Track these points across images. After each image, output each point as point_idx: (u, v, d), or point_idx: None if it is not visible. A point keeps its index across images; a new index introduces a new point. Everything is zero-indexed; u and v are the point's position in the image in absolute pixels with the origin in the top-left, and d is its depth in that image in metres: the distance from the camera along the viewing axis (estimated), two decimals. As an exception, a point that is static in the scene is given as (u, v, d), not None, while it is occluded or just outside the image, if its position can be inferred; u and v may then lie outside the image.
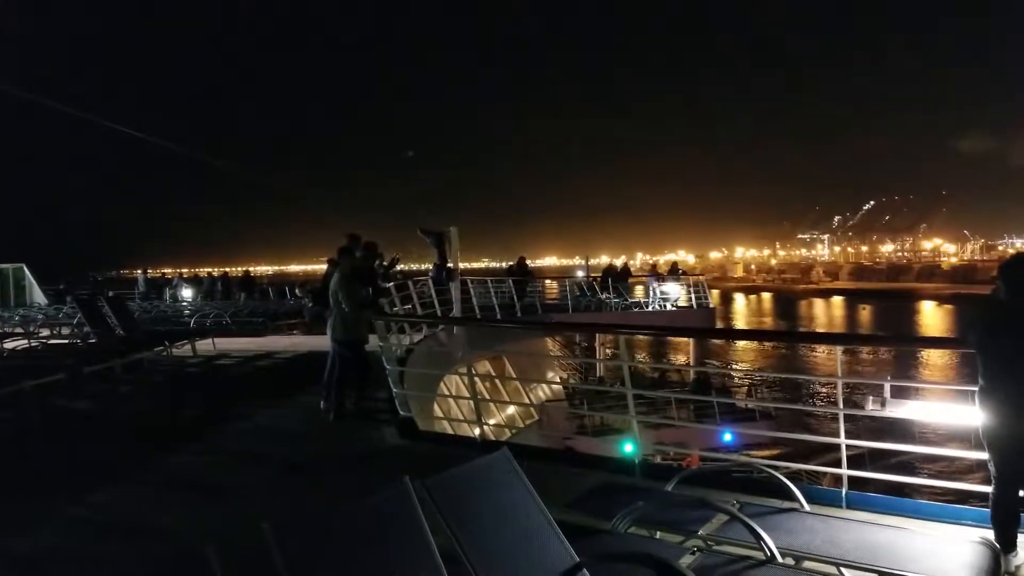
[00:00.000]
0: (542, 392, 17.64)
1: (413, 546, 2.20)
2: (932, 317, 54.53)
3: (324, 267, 9.15)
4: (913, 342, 11.89)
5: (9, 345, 11.06)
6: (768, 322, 58.37)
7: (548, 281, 22.12)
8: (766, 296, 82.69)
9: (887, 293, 70.22)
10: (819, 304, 71.23)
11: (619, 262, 25.15)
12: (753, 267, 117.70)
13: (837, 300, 73.06)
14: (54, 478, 5.32)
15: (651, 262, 37.18)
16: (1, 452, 6.22)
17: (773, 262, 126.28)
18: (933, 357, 32.93)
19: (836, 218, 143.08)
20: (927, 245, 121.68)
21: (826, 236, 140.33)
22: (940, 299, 62.83)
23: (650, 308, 19.06)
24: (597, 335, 19.33)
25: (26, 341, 11.67)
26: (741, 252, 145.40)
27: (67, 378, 8.39)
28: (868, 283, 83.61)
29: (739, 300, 79.53)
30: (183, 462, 5.73)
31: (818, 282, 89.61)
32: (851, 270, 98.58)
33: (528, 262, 21.17)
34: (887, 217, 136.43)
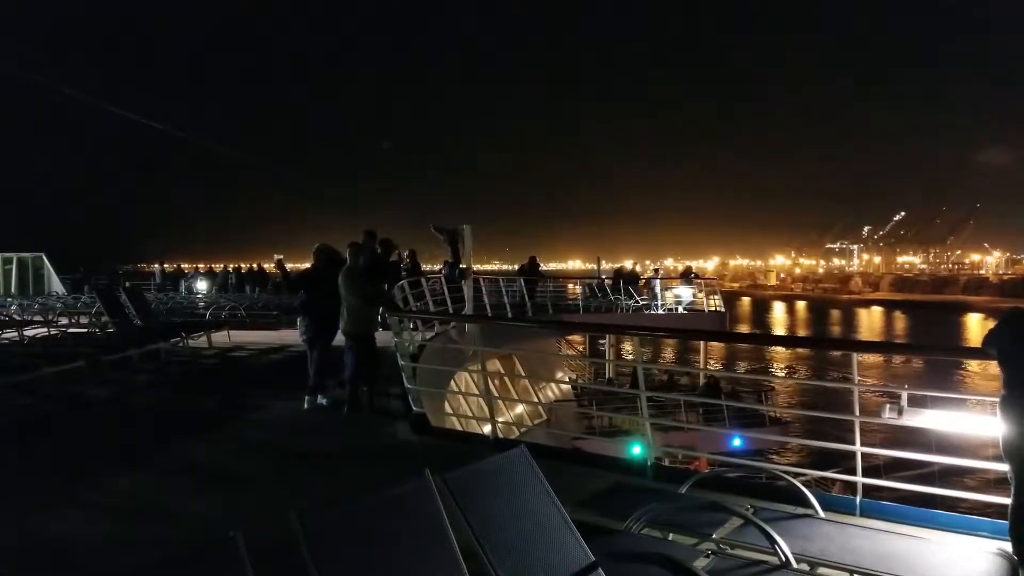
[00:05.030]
0: (551, 392, 17.64)
1: (433, 538, 2.23)
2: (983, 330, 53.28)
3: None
4: (935, 351, 11.66)
5: (29, 332, 11.24)
6: (818, 332, 57.74)
7: (570, 285, 22.23)
8: (804, 304, 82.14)
9: (935, 305, 69.63)
10: (863, 314, 70.95)
11: (629, 265, 25.21)
12: (783, 275, 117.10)
13: (877, 310, 72.58)
14: (75, 464, 5.41)
15: (654, 267, 37.12)
16: (22, 438, 6.35)
17: (797, 270, 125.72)
18: (978, 369, 31.79)
19: (866, 228, 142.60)
20: (975, 257, 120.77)
21: (856, 246, 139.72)
22: (992, 312, 61.52)
23: (660, 311, 19.02)
24: (607, 336, 19.32)
25: (45, 329, 11.86)
26: (781, 260, 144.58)
27: (86, 366, 8.54)
28: (914, 294, 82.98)
29: (778, 308, 79.37)
30: (200, 451, 5.80)
31: (860, 292, 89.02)
32: (892, 280, 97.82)
33: (541, 264, 21.19)
34: (914, 230, 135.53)
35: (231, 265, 27.34)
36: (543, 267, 23.67)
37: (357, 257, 7.01)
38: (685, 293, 19.55)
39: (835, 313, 70.82)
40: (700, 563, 2.80)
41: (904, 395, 4.10)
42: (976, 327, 55.97)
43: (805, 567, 2.88)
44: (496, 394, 11.73)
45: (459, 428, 7.90)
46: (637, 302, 19.26)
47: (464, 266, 13.09)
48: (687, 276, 21.22)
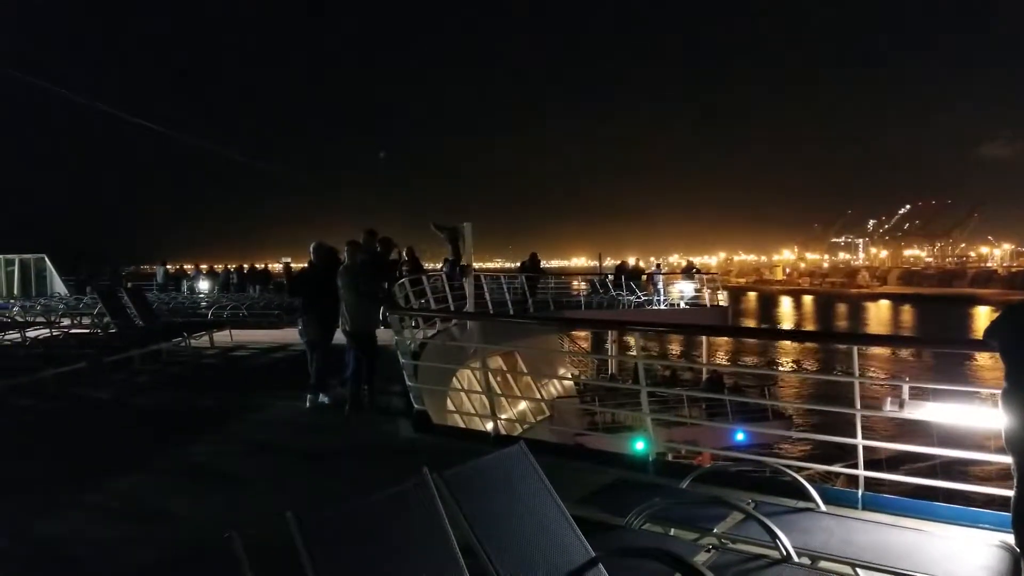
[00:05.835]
0: (553, 388, 17.66)
1: (432, 537, 2.22)
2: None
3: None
4: (936, 343, 11.64)
5: (32, 334, 11.27)
6: (825, 326, 57.57)
7: (574, 283, 22.27)
8: (811, 299, 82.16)
9: (943, 298, 69.56)
10: (871, 308, 71.19)
11: (631, 261, 25.21)
12: (788, 269, 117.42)
13: (884, 304, 72.85)
14: (76, 465, 5.42)
15: (656, 263, 37.20)
16: (24, 439, 6.36)
17: (802, 265, 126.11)
18: (989, 362, 31.69)
19: (871, 221, 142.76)
20: (982, 250, 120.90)
21: (860, 240, 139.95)
22: (1002, 305, 61.01)
23: (662, 306, 19.01)
24: (610, 332, 19.33)
25: (48, 330, 11.89)
26: (788, 255, 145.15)
27: (88, 367, 8.56)
28: (922, 288, 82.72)
29: (785, 303, 79.59)
30: (202, 451, 5.81)
31: (868, 286, 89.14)
32: (900, 274, 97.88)
33: (543, 261, 21.18)
34: (917, 221, 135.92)
35: (232, 265, 27.36)
36: (545, 264, 23.65)
37: (355, 255, 7.04)
38: (687, 288, 19.57)
39: (843, 307, 70.89)
40: (701, 558, 2.79)
41: (905, 388, 4.08)
42: (985, 320, 55.85)
43: (806, 561, 2.87)
44: (498, 391, 11.74)
45: (461, 426, 7.91)
46: (639, 297, 19.25)
47: (465, 263, 13.08)
48: (689, 272, 21.22)
